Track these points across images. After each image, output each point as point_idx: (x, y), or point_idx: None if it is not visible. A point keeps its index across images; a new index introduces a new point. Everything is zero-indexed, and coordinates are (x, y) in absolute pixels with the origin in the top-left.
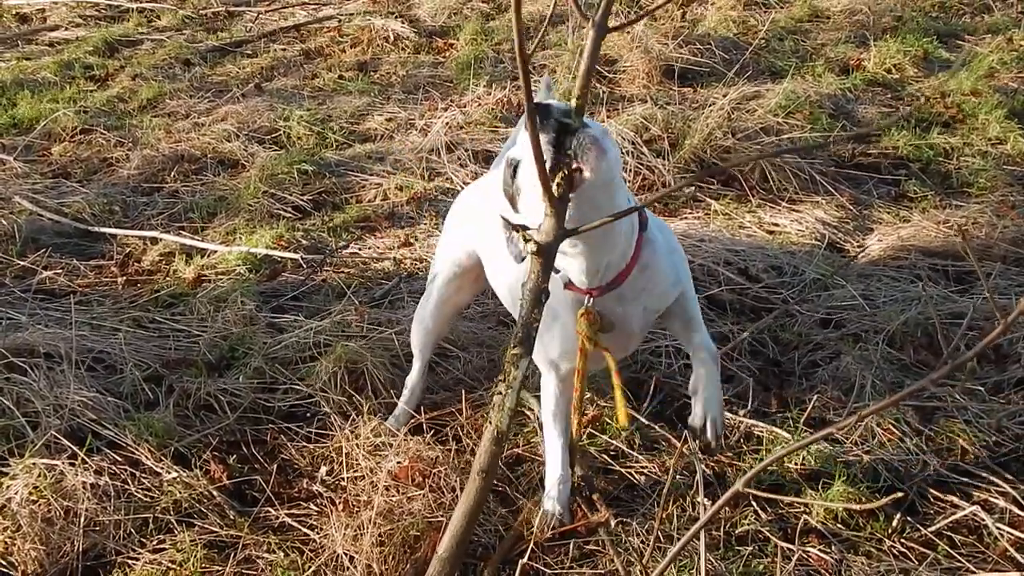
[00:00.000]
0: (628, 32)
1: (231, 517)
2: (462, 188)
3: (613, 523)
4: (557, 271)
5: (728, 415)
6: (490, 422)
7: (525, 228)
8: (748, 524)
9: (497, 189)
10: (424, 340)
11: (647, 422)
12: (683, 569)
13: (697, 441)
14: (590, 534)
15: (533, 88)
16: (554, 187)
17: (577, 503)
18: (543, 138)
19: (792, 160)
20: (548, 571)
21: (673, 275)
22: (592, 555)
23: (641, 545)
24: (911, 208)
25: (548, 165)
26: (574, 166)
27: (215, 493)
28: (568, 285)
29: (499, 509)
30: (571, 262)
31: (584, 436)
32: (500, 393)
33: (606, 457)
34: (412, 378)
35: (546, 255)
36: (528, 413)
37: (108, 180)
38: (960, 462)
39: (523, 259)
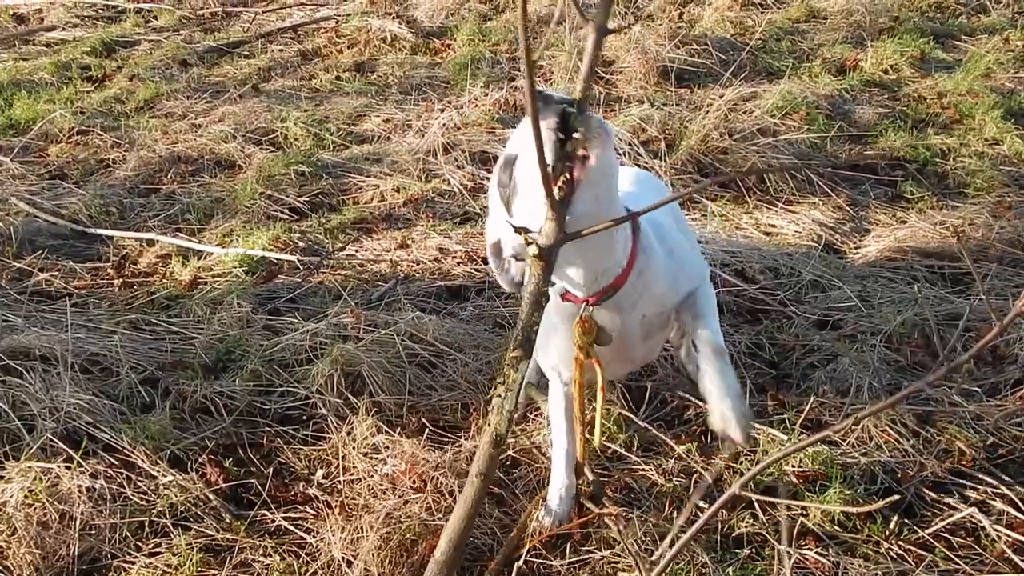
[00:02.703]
0: (625, 33)
1: (227, 520)
2: (460, 190)
3: (618, 522)
4: (553, 283)
5: None
6: (488, 424)
7: (527, 230)
8: (745, 526)
9: (491, 191)
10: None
11: (645, 425)
12: (680, 572)
13: (725, 445)
14: (586, 539)
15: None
16: (556, 190)
17: (575, 510)
18: (545, 123)
19: (789, 161)
20: (547, 574)
21: (671, 281)
22: (589, 559)
23: (638, 547)
24: (908, 209)
25: (550, 160)
26: (581, 152)
27: (211, 496)
28: (565, 296)
29: (495, 511)
30: (568, 269)
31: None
32: (499, 396)
33: (604, 460)
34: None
35: (547, 259)
36: (531, 413)
37: (105, 181)
38: (957, 464)
39: (517, 284)
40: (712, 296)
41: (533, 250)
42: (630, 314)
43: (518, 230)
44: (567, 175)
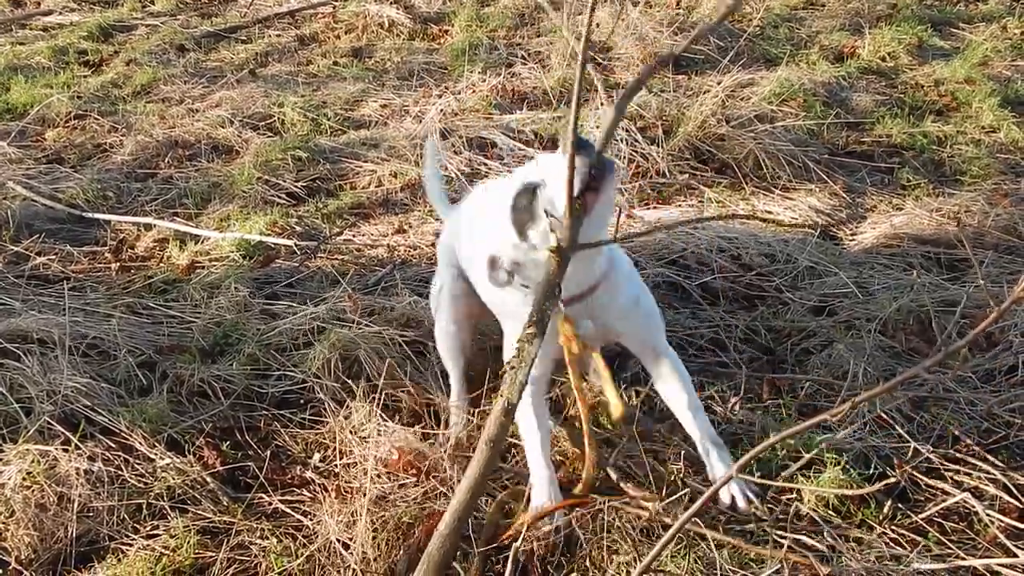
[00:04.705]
0: (623, 19)
1: (224, 503)
2: (457, 175)
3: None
4: (527, 287)
5: (720, 409)
6: (501, 394)
7: (556, 219)
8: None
9: (503, 214)
10: (452, 352)
11: (639, 413)
12: (677, 554)
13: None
14: (568, 526)
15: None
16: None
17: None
18: (583, 163)
19: (785, 148)
20: (539, 561)
21: (632, 295)
22: (576, 544)
23: (634, 532)
24: (904, 196)
25: (579, 188)
26: (594, 185)
27: (208, 479)
28: None
29: (482, 503)
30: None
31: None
32: (512, 367)
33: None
34: (452, 398)
35: (563, 257)
36: None
37: (102, 166)
38: (951, 449)
39: (504, 284)
40: (689, 379)
41: (553, 241)
42: (595, 318)
43: (548, 215)
44: (582, 199)
